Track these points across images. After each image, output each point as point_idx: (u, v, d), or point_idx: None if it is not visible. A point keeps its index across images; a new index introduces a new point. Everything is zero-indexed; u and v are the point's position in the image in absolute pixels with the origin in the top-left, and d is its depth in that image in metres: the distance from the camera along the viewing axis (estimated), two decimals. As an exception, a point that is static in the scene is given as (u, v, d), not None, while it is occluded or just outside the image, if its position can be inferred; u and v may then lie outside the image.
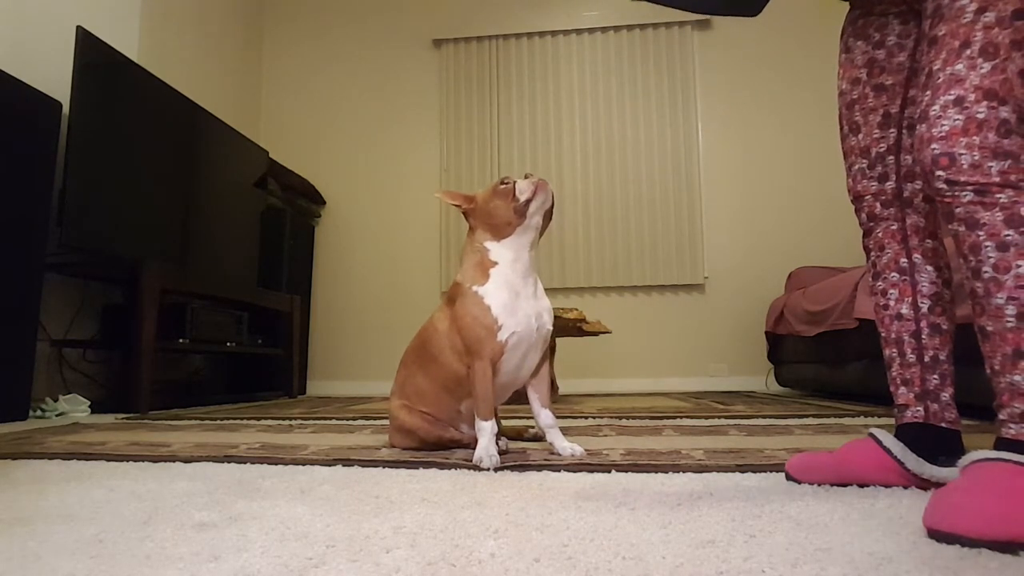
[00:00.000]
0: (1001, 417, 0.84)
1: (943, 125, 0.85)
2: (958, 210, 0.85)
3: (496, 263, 1.33)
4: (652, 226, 4.37)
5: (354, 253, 4.66)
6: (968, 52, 0.84)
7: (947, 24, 0.87)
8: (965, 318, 1.10)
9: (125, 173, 2.80)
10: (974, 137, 0.83)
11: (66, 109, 2.55)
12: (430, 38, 4.74)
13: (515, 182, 1.34)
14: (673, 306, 4.37)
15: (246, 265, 3.66)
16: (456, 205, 1.40)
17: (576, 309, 3.13)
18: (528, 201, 1.31)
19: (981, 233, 0.83)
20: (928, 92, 0.88)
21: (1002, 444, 0.83)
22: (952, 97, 0.85)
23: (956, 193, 0.85)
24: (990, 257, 0.83)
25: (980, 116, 0.83)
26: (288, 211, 4.21)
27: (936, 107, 0.86)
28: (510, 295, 1.30)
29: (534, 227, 1.35)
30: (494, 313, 1.27)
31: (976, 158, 0.83)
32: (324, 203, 4.69)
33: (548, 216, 1.37)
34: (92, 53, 2.60)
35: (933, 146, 0.86)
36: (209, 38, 4.13)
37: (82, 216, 2.52)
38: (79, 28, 2.55)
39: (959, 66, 0.85)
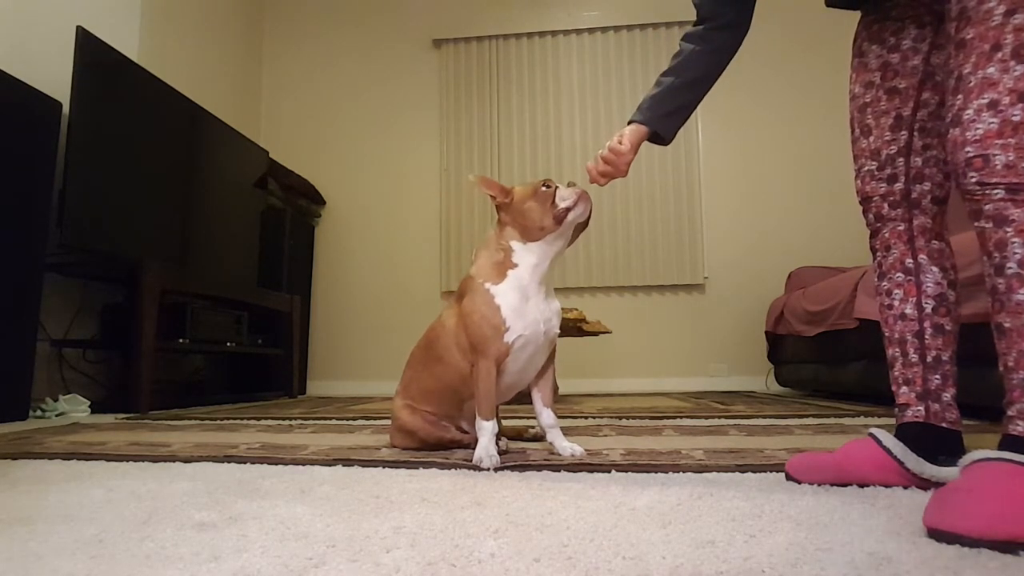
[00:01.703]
0: (1010, 414, 0.84)
1: (978, 128, 0.85)
2: (987, 207, 0.85)
3: (516, 265, 1.30)
4: (652, 226, 4.37)
5: (354, 253, 4.66)
6: (1000, 55, 0.84)
7: (975, 27, 0.87)
8: (969, 317, 1.10)
9: (125, 173, 2.80)
10: (1010, 139, 0.83)
11: (66, 109, 2.55)
12: (430, 38, 4.74)
13: (557, 187, 1.31)
14: (673, 306, 4.37)
15: (246, 265, 3.66)
16: (491, 196, 1.35)
17: (576, 309, 3.13)
18: (567, 210, 1.29)
19: (1009, 229, 0.83)
20: (960, 96, 0.88)
21: (1008, 441, 0.83)
22: (986, 101, 0.85)
23: (987, 192, 0.85)
24: (1016, 253, 0.83)
25: (1016, 119, 0.83)
26: (288, 211, 4.21)
27: (970, 111, 0.86)
28: (521, 299, 1.28)
29: (565, 238, 1.32)
30: (503, 314, 1.26)
31: (1011, 158, 0.83)
32: (324, 203, 4.69)
33: (581, 228, 1.34)
34: (92, 53, 2.60)
35: (967, 149, 0.86)
36: (209, 38, 4.13)
37: (82, 216, 2.52)
38: (79, 28, 2.55)
39: (991, 69, 0.85)
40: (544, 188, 1.31)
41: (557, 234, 1.31)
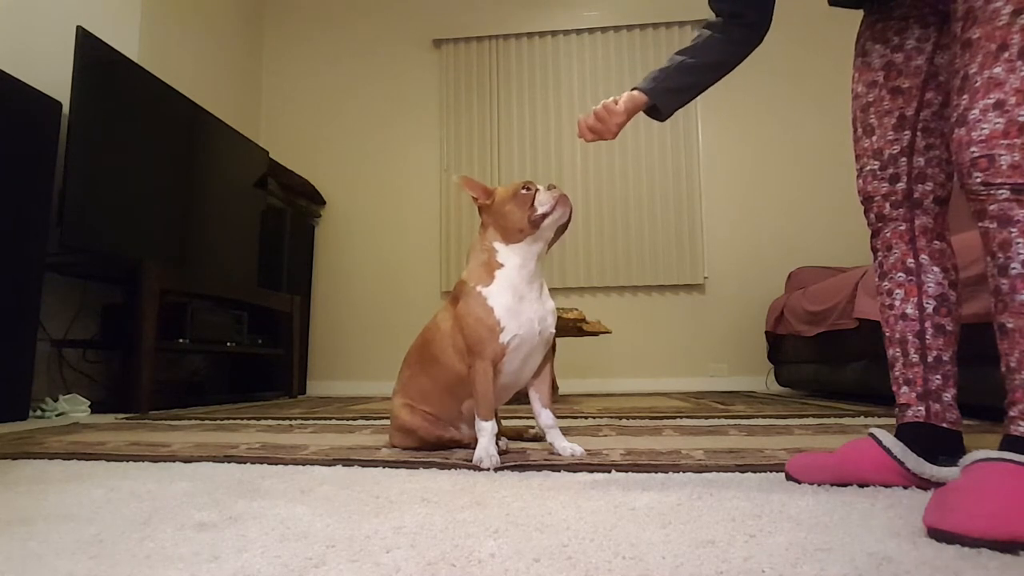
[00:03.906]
0: (1011, 414, 0.84)
1: (983, 128, 0.85)
2: (992, 207, 0.85)
3: (502, 265, 1.31)
4: (652, 226, 4.37)
5: (354, 253, 4.66)
6: (1006, 55, 0.84)
7: (981, 27, 0.87)
8: (970, 317, 1.10)
9: (125, 173, 2.80)
10: (1015, 140, 0.83)
11: (66, 109, 2.55)
12: (430, 38, 4.74)
13: (537, 191, 1.31)
14: (673, 306, 4.37)
15: (246, 265, 3.66)
16: (473, 197, 1.36)
17: (576, 309, 3.13)
18: (544, 215, 1.29)
19: (1014, 230, 0.83)
20: (965, 96, 0.88)
21: (1009, 441, 0.83)
22: (992, 100, 0.85)
23: (992, 192, 0.85)
24: (1020, 254, 0.83)
25: (1022, 119, 0.83)
26: (288, 211, 4.21)
27: (976, 111, 0.86)
28: (514, 298, 1.28)
29: (545, 239, 1.32)
30: (497, 315, 1.26)
31: (1016, 158, 0.83)
32: (324, 203, 4.69)
33: (562, 229, 1.34)
34: (92, 53, 2.60)
35: (972, 149, 0.86)
36: (209, 38, 4.13)
37: (82, 216, 2.52)
38: (79, 28, 2.55)
39: (997, 69, 0.85)
40: (524, 191, 1.31)
41: (535, 237, 1.31)
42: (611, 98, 1.30)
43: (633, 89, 1.30)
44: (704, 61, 1.28)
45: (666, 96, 1.29)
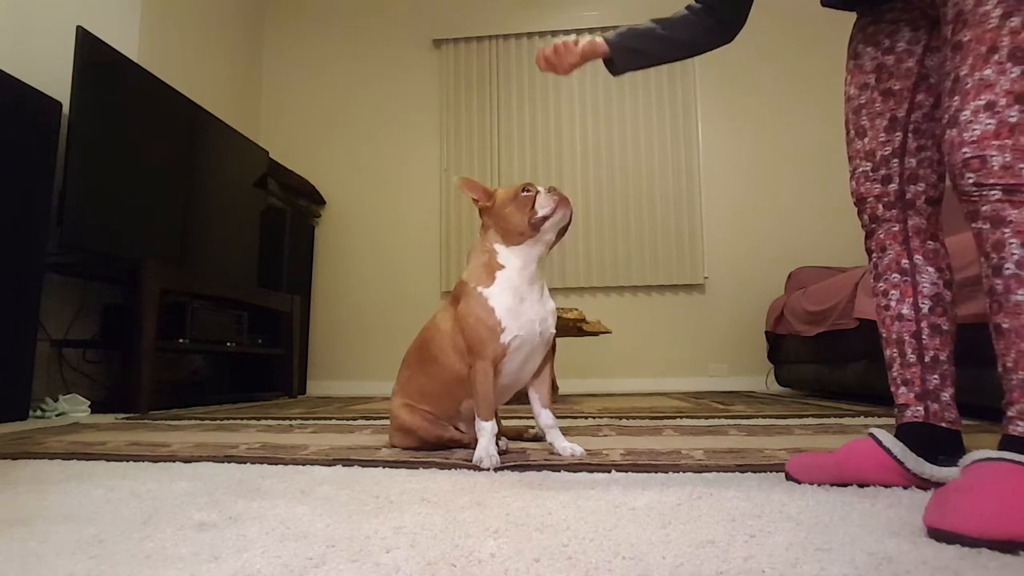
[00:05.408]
0: (1010, 414, 0.84)
1: (974, 129, 0.85)
2: (984, 208, 0.85)
3: (503, 266, 1.31)
4: (652, 226, 4.37)
5: (354, 253, 4.66)
6: (996, 57, 0.85)
7: (972, 30, 0.87)
8: (967, 318, 1.10)
9: (125, 173, 2.80)
10: (1006, 140, 0.83)
11: (66, 109, 2.55)
12: (430, 38, 4.74)
13: (537, 193, 1.31)
14: (673, 306, 4.37)
15: (246, 265, 3.66)
16: (474, 199, 1.36)
17: (576, 309, 3.13)
18: (545, 218, 1.29)
19: (1007, 230, 0.84)
20: (957, 97, 0.88)
21: (1008, 442, 0.83)
22: (983, 102, 0.85)
23: (984, 193, 0.85)
24: (1014, 254, 0.83)
25: (1012, 120, 0.83)
26: (288, 211, 4.21)
27: (967, 112, 0.86)
28: (515, 299, 1.29)
29: (545, 242, 1.32)
30: (498, 315, 1.27)
31: (1008, 159, 0.83)
32: (324, 203, 4.69)
33: (563, 232, 1.34)
34: (92, 53, 2.60)
35: (964, 150, 0.86)
36: (209, 38, 4.13)
37: (82, 216, 2.52)
38: (79, 28, 2.55)
39: (988, 71, 0.85)
40: (524, 193, 1.31)
41: (535, 239, 1.31)
42: (573, 37, 1.34)
43: (599, 36, 1.32)
44: (673, 36, 1.32)
45: (625, 54, 1.33)
